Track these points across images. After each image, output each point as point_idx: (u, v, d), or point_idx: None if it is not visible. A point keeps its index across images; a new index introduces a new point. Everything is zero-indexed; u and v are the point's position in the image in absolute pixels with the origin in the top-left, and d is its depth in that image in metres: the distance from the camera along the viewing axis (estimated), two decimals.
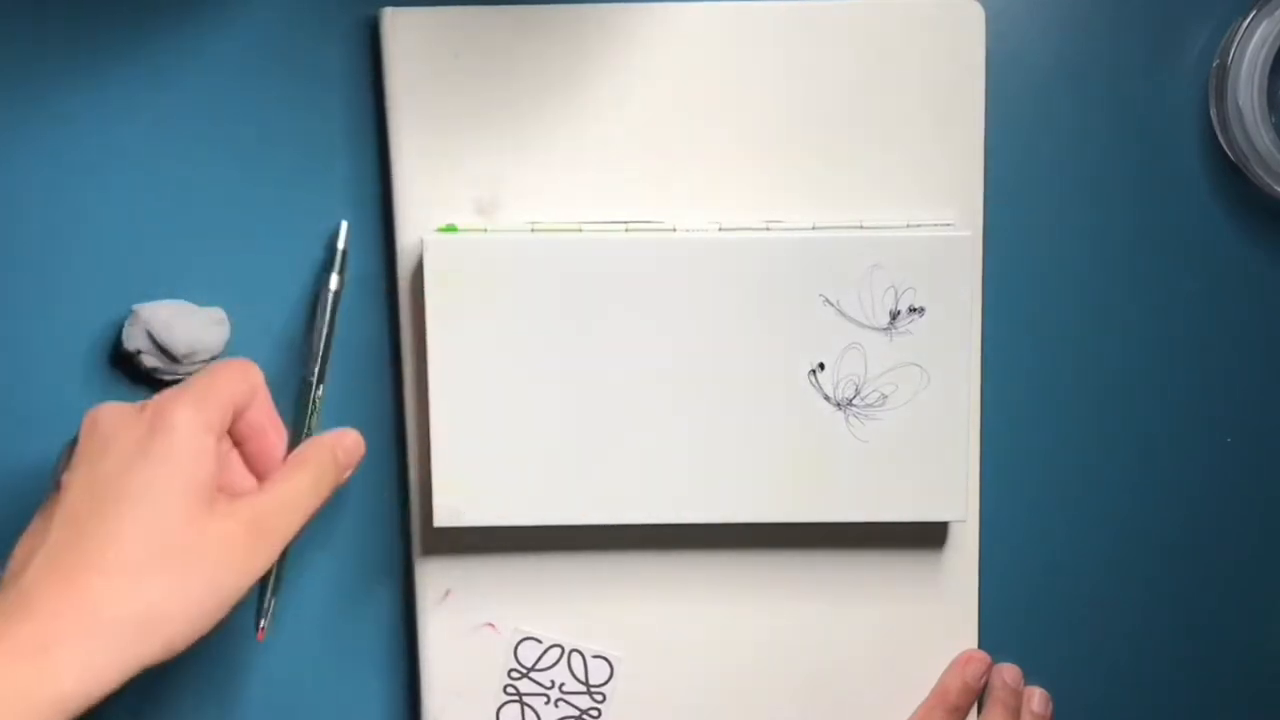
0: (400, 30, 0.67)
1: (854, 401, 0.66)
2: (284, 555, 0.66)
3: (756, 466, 0.66)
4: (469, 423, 0.66)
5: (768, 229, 0.66)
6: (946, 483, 0.67)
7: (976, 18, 0.68)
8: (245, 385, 0.62)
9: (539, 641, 0.70)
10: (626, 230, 0.66)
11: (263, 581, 0.66)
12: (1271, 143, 0.69)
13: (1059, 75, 0.71)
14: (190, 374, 0.69)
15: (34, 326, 0.70)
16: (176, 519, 0.57)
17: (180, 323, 0.67)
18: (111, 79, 0.69)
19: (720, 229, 0.66)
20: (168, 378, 0.69)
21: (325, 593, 0.72)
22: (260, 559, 0.59)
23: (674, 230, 0.66)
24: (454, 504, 0.66)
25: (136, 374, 0.70)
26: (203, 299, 0.69)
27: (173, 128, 0.69)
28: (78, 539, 0.56)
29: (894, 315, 0.66)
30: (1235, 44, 0.68)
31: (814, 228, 0.66)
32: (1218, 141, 0.70)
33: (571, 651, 0.70)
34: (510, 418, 0.66)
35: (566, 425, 0.66)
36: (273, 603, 0.66)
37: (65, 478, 0.58)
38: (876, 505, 0.67)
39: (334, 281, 0.68)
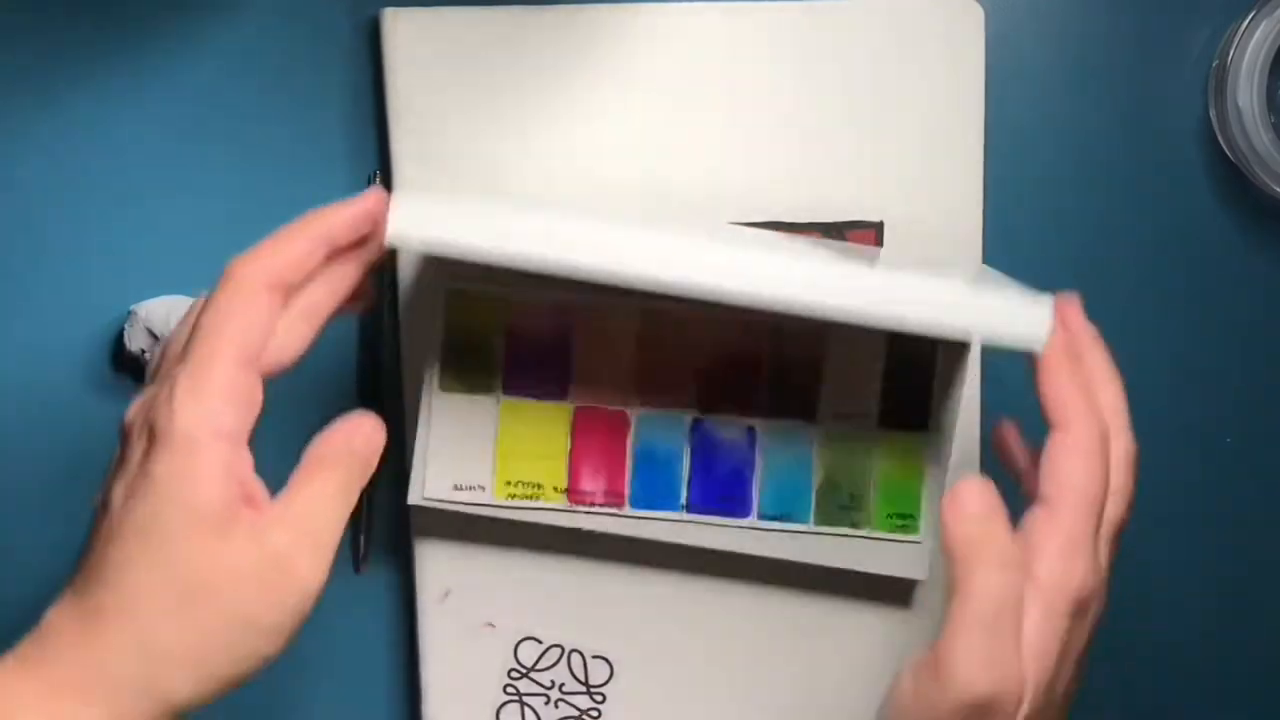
0: (400, 30, 0.67)
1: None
2: (370, 497, 0.69)
3: None
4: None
5: None
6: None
7: (976, 18, 0.68)
8: (250, 321, 0.53)
9: (539, 641, 0.70)
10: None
11: (354, 525, 0.69)
12: (1271, 143, 0.69)
13: (1059, 75, 0.71)
14: None
15: (34, 327, 0.70)
16: (185, 555, 0.51)
17: (179, 315, 0.67)
18: (111, 78, 0.69)
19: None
20: None
21: (325, 593, 0.71)
22: (306, 573, 0.53)
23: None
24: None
25: (141, 374, 0.70)
26: None
27: (173, 127, 0.69)
28: (91, 579, 0.52)
29: None
30: (1235, 44, 0.69)
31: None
32: (1218, 141, 0.70)
33: (571, 651, 0.70)
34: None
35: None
36: (364, 541, 0.70)
37: (98, 498, 0.54)
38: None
39: None
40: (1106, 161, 0.71)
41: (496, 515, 0.67)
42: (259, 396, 0.53)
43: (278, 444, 0.54)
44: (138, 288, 0.69)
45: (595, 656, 0.70)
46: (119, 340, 0.69)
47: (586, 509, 0.67)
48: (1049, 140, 0.71)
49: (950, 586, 0.53)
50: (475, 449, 0.67)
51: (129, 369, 0.70)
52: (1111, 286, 0.71)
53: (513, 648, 0.70)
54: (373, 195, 0.55)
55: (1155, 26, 0.71)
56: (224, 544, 0.51)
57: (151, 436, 0.52)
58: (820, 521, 0.67)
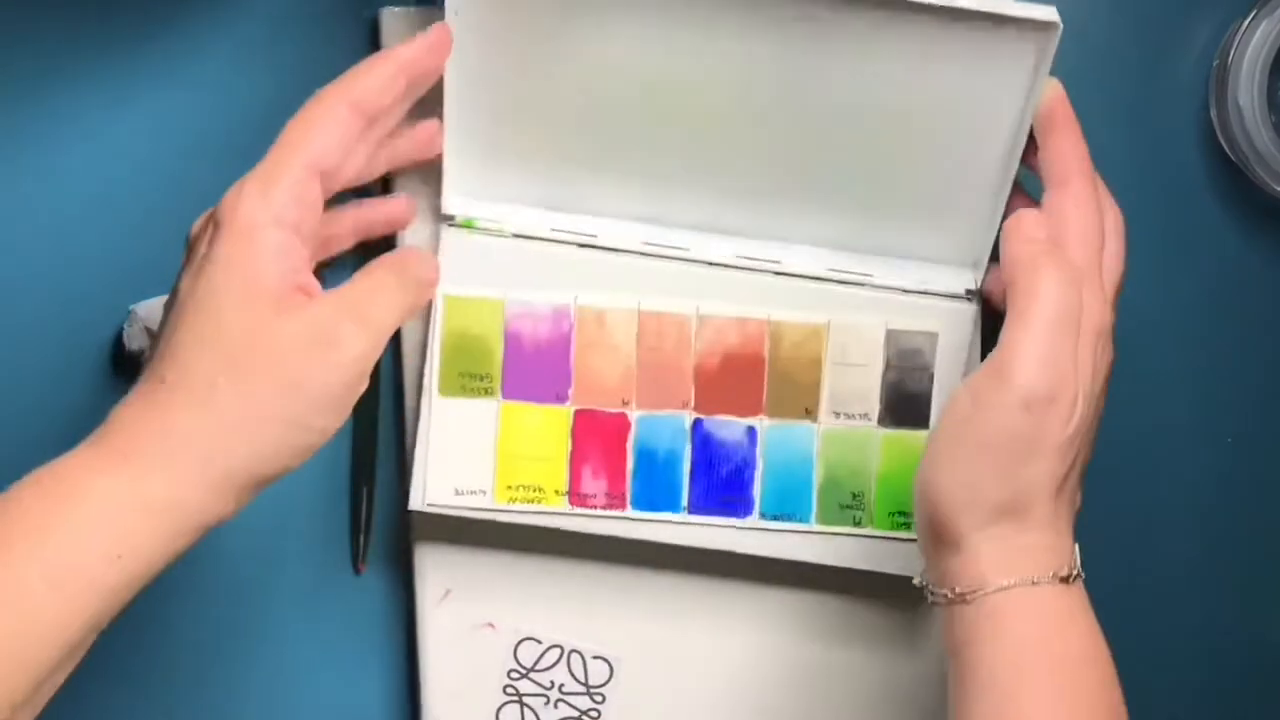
0: (400, 30, 0.67)
1: None
2: (370, 495, 0.69)
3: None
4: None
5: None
6: None
7: None
8: (329, 134, 0.58)
9: (539, 642, 0.70)
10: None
11: (354, 524, 0.70)
12: (1271, 143, 0.69)
13: (1059, 74, 0.70)
14: None
15: (34, 327, 0.70)
16: (239, 326, 0.55)
17: None
18: (111, 78, 0.69)
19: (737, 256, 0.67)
20: None
21: (325, 593, 0.72)
22: (348, 342, 0.56)
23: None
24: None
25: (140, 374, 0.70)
26: None
27: (172, 127, 0.69)
28: (155, 363, 0.56)
29: None
30: (1235, 44, 0.69)
31: None
32: (1218, 141, 0.70)
33: (571, 652, 0.70)
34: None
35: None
36: (363, 540, 0.70)
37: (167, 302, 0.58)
38: None
39: None
40: (1107, 161, 0.71)
41: (498, 519, 0.67)
42: (320, 206, 0.58)
43: None
44: (138, 288, 0.69)
45: (595, 656, 0.70)
46: (119, 340, 0.69)
47: (588, 512, 0.67)
48: None
49: (1011, 301, 0.58)
50: (476, 453, 0.67)
51: (129, 369, 0.70)
52: None
53: (513, 648, 0.70)
54: (437, 28, 0.61)
55: (1156, 26, 0.71)
56: (276, 318, 0.55)
57: (216, 225, 0.56)
58: (822, 520, 0.67)
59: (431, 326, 0.66)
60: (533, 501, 0.67)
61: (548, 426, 0.67)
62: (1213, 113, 0.70)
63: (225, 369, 0.54)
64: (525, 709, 0.70)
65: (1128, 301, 0.72)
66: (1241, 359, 0.72)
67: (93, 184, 0.69)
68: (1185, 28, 0.71)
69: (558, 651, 0.70)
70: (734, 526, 0.67)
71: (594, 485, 0.67)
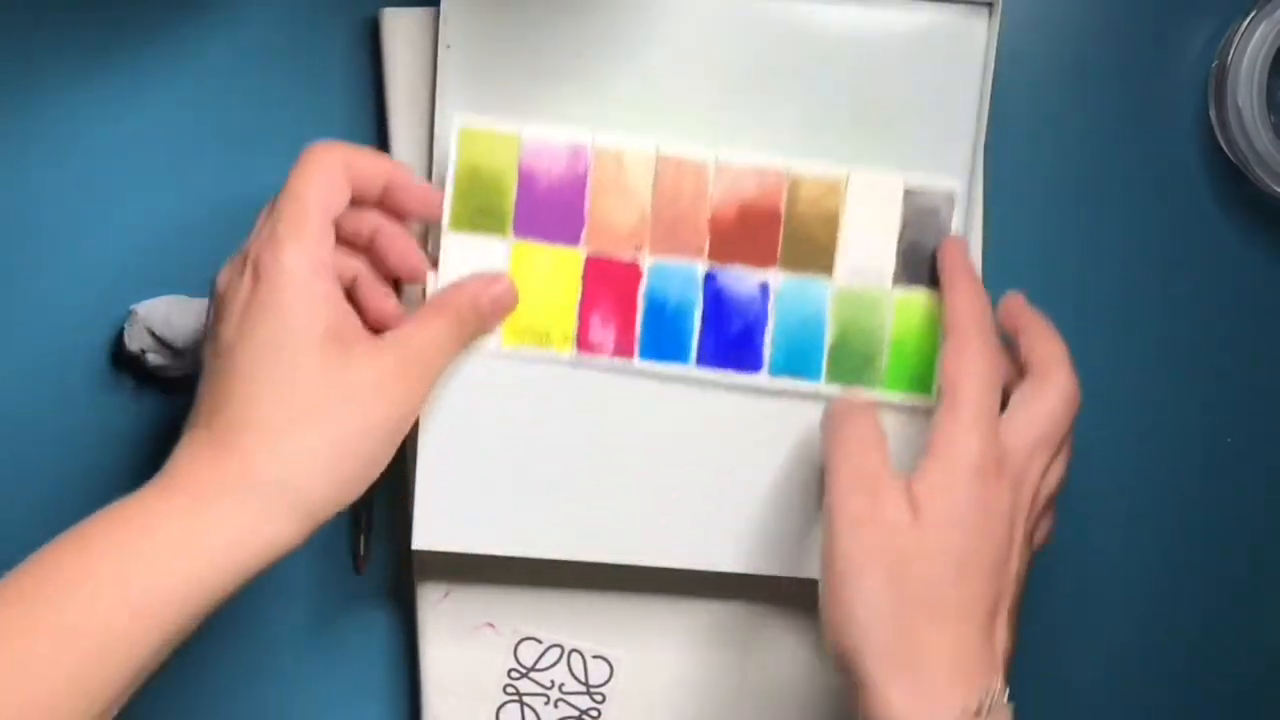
0: (400, 30, 0.67)
1: None
2: (371, 496, 0.68)
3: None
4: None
5: None
6: None
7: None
8: (333, 182, 0.60)
9: (539, 641, 0.70)
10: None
11: (354, 525, 0.71)
12: (1271, 143, 0.69)
13: (1059, 75, 0.71)
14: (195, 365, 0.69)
15: (34, 327, 0.70)
16: (311, 369, 0.57)
17: (179, 315, 0.68)
18: (112, 78, 0.69)
19: None
20: (175, 374, 0.69)
21: (325, 592, 0.72)
22: (412, 400, 0.59)
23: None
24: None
25: (141, 374, 0.70)
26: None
27: (173, 127, 0.69)
28: (217, 410, 0.57)
29: None
30: (1235, 44, 0.69)
31: None
32: (1218, 142, 0.70)
33: (571, 651, 0.70)
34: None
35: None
36: (364, 541, 0.71)
37: (202, 353, 0.60)
38: None
39: None
40: (1106, 161, 0.71)
41: (501, 371, 0.66)
42: (332, 248, 0.60)
43: None
44: (138, 288, 0.69)
45: (595, 656, 0.70)
46: (119, 340, 0.69)
47: (595, 360, 0.66)
48: (1049, 139, 0.71)
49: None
50: None
51: (129, 369, 0.70)
52: (1112, 286, 0.72)
53: (513, 648, 0.70)
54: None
55: (1155, 27, 0.71)
56: (342, 360, 0.57)
57: (257, 275, 0.58)
58: (832, 379, 0.66)
59: (447, 159, 0.65)
60: (539, 345, 0.65)
61: (558, 269, 0.65)
62: (1212, 113, 0.70)
63: (303, 412, 0.57)
64: (525, 709, 0.70)
65: (1127, 300, 0.72)
66: (1241, 359, 0.72)
67: (93, 184, 0.69)
68: (1185, 28, 0.71)
69: (558, 651, 0.70)
70: (742, 382, 0.66)
71: (602, 333, 0.66)
